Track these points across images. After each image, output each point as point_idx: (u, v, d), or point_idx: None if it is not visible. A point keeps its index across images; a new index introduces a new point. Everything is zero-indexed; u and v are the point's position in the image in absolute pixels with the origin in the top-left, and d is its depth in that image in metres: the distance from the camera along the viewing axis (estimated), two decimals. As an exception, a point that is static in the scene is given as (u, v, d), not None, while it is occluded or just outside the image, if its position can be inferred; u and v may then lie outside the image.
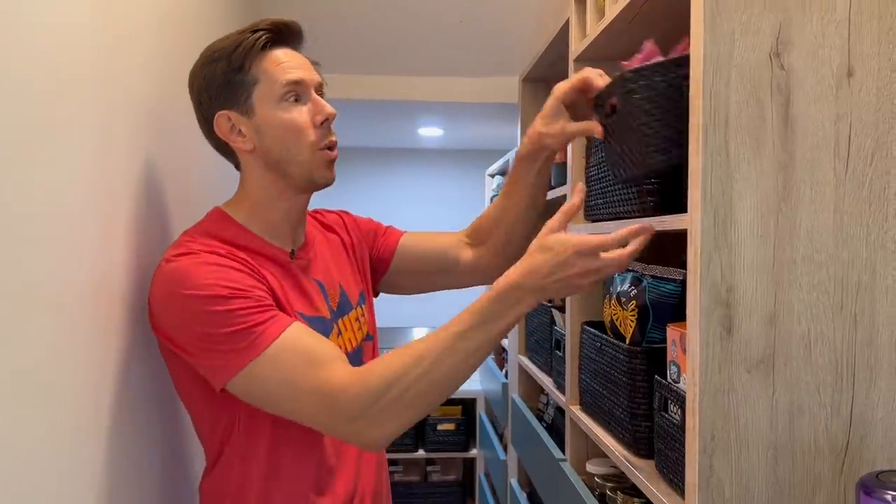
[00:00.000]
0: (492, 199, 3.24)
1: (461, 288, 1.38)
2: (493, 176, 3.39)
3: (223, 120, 1.06)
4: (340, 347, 1.12)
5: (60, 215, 0.77)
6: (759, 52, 0.91)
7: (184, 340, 0.96)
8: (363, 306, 1.23)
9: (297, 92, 1.05)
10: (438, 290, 1.39)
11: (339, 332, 1.14)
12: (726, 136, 0.91)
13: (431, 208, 5.11)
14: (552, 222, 0.90)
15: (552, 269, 0.87)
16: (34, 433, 0.71)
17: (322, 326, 1.09)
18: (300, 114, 1.05)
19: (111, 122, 0.93)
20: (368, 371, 0.92)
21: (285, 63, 1.05)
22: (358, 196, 4.78)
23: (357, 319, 1.19)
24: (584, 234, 0.88)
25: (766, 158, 0.92)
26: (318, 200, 1.17)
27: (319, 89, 1.09)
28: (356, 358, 1.15)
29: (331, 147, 1.08)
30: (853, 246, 0.92)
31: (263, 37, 1.04)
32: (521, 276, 0.90)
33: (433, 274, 1.35)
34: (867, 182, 0.92)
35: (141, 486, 1.03)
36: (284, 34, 1.08)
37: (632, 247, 0.91)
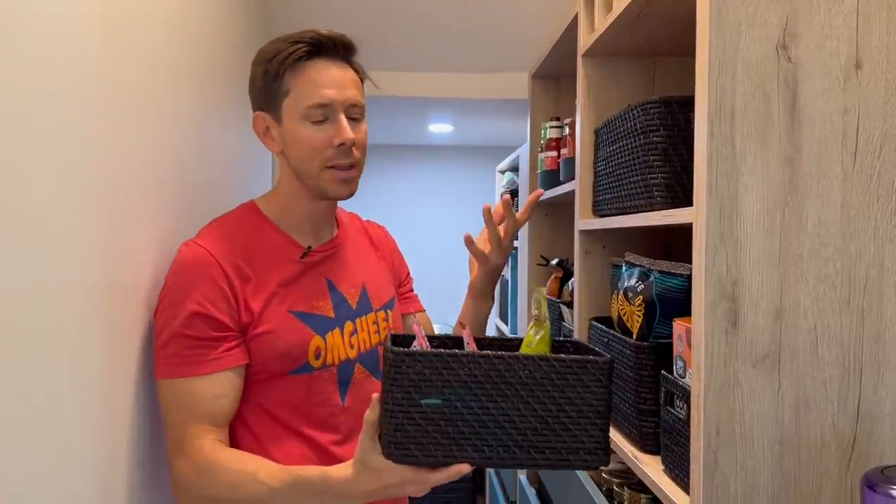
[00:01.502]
0: (501, 196, 3.23)
1: None
2: (503, 172, 3.38)
3: (259, 120, 1.12)
4: (353, 347, 1.13)
5: (64, 215, 0.77)
6: (766, 45, 0.90)
7: (157, 322, 1.03)
8: (389, 311, 1.22)
9: (322, 113, 1.06)
10: None
11: (355, 331, 1.14)
12: (732, 129, 0.90)
13: (441, 204, 5.10)
14: (365, 441, 0.90)
15: (385, 486, 0.90)
16: (38, 432, 0.71)
17: (315, 323, 1.10)
18: (319, 133, 1.06)
19: (114, 122, 0.93)
20: (217, 469, 0.97)
21: (318, 80, 1.06)
22: (368, 192, 4.77)
23: (376, 322, 1.19)
24: (405, 469, 0.88)
25: (772, 151, 0.91)
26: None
27: (350, 109, 1.08)
28: (370, 358, 1.15)
29: (344, 167, 1.08)
30: (861, 240, 0.91)
31: (302, 49, 1.06)
32: (357, 485, 0.91)
33: None
34: (875, 175, 0.91)
35: (145, 487, 1.04)
36: (327, 47, 1.07)
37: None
